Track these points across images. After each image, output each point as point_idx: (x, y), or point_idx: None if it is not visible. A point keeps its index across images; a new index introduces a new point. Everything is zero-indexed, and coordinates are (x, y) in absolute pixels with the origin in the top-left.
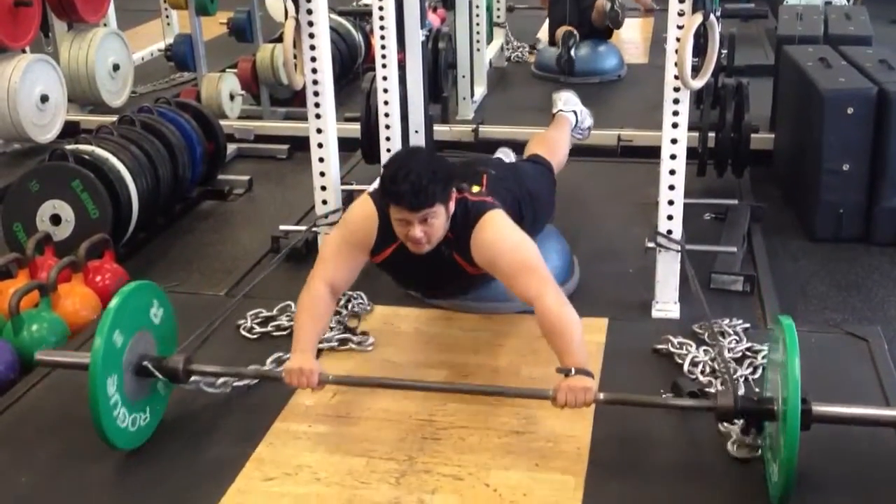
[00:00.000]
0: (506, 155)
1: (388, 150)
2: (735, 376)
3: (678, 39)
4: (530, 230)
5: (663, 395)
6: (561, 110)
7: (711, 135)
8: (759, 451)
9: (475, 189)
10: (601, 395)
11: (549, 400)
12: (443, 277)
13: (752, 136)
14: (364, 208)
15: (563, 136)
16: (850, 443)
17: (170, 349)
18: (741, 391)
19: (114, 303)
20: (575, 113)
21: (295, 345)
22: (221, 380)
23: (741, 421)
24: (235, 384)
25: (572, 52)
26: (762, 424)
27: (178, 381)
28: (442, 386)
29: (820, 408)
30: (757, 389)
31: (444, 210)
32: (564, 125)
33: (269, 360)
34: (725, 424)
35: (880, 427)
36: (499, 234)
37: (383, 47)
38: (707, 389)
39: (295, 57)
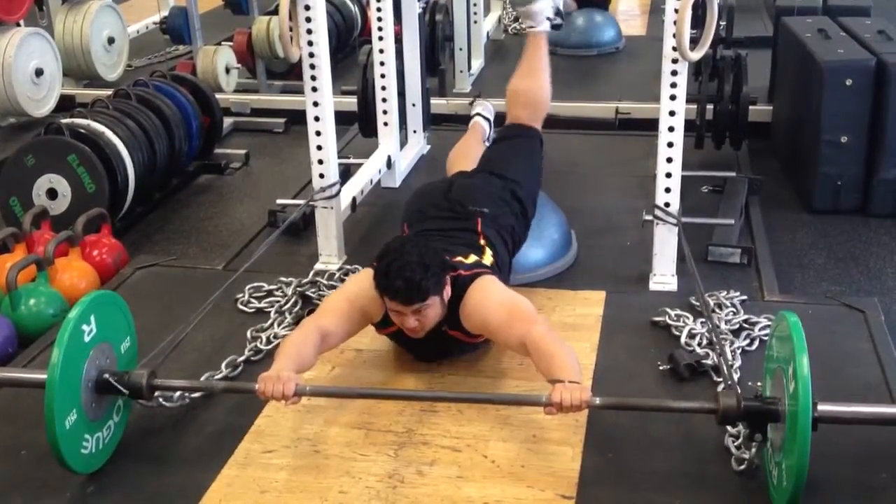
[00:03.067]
0: (484, 108)
1: (385, 124)
2: (732, 348)
3: (676, 11)
4: (531, 220)
5: (661, 367)
6: (531, 27)
7: (710, 107)
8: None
9: (469, 260)
10: (597, 400)
11: (543, 406)
12: (447, 351)
13: (751, 108)
14: (371, 289)
15: (541, 66)
16: (856, 440)
17: (131, 361)
18: (738, 363)
19: (72, 315)
20: (548, 19)
21: (275, 364)
22: (178, 393)
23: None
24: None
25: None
26: (766, 427)
27: (141, 398)
28: (425, 395)
29: (827, 407)
30: (754, 384)
31: (439, 299)
32: (539, 46)
33: (263, 336)
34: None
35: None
36: (484, 296)
37: (380, 20)
38: (704, 361)
39: (291, 29)
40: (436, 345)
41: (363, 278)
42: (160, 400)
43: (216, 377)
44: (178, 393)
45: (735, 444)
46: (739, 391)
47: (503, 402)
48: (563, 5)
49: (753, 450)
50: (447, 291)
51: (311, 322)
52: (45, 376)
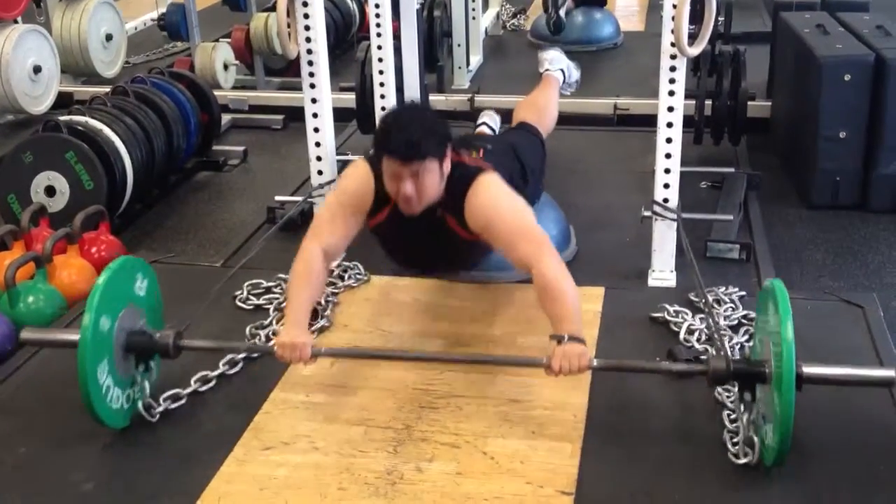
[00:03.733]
0: (490, 118)
1: None
2: (731, 343)
3: (675, 6)
4: (531, 193)
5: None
6: (548, 70)
7: (708, 103)
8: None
9: (473, 155)
10: (595, 362)
11: (544, 368)
12: (436, 245)
13: (749, 103)
14: (359, 171)
15: (552, 96)
16: (843, 404)
17: (158, 322)
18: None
19: (101, 279)
20: (562, 71)
21: (287, 316)
22: (269, 341)
23: (735, 386)
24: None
25: (561, 12)
26: (755, 388)
27: (168, 357)
28: (436, 356)
29: (811, 369)
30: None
31: (438, 167)
32: (552, 85)
33: (262, 333)
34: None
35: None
36: (494, 198)
37: (378, 16)
38: (702, 357)
39: (289, 26)
40: (429, 233)
41: (349, 171)
42: (166, 404)
43: (212, 374)
44: (188, 389)
45: (733, 441)
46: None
47: (506, 363)
48: (575, 78)
49: (745, 415)
50: (447, 166)
51: (309, 242)
52: (77, 336)
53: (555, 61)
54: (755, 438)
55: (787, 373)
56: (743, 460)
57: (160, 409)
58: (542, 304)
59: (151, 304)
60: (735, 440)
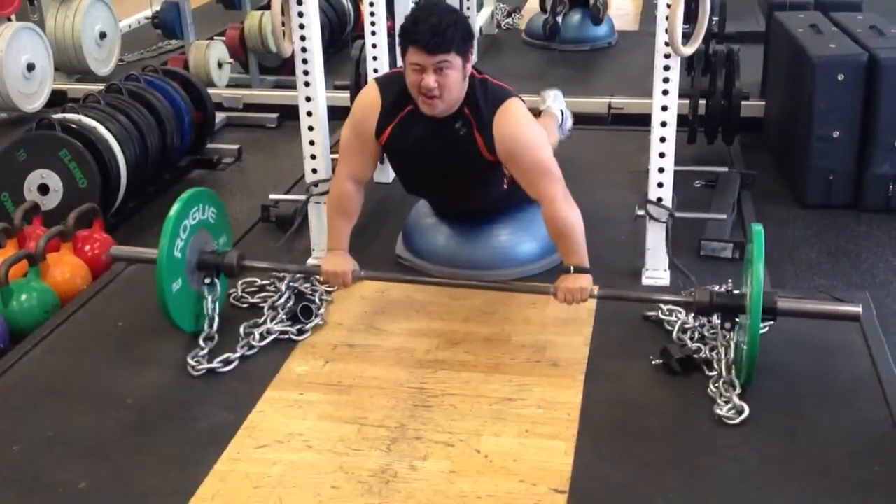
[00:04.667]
0: (557, 100)
1: None
2: (726, 340)
3: (669, 6)
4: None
5: (653, 362)
6: (549, 106)
7: (702, 102)
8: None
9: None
10: (596, 291)
11: (552, 295)
12: (451, 163)
13: (743, 103)
14: (368, 92)
15: (552, 125)
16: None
17: (226, 245)
18: (731, 356)
19: (175, 207)
20: (561, 112)
21: (329, 244)
22: (236, 357)
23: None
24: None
25: (559, 18)
26: (736, 318)
27: (233, 276)
28: (460, 282)
29: (785, 302)
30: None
31: (461, 65)
32: (552, 118)
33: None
34: (712, 388)
35: (843, 322)
36: (525, 127)
37: (372, 14)
38: (695, 355)
39: (283, 24)
40: (447, 148)
41: (359, 95)
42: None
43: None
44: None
45: (714, 384)
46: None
47: (517, 290)
48: (569, 126)
49: (731, 339)
50: (469, 68)
51: (338, 175)
52: (156, 253)
53: (556, 100)
54: (736, 381)
55: (756, 299)
56: (724, 409)
57: (203, 367)
58: (552, 236)
59: (220, 231)
60: (716, 384)
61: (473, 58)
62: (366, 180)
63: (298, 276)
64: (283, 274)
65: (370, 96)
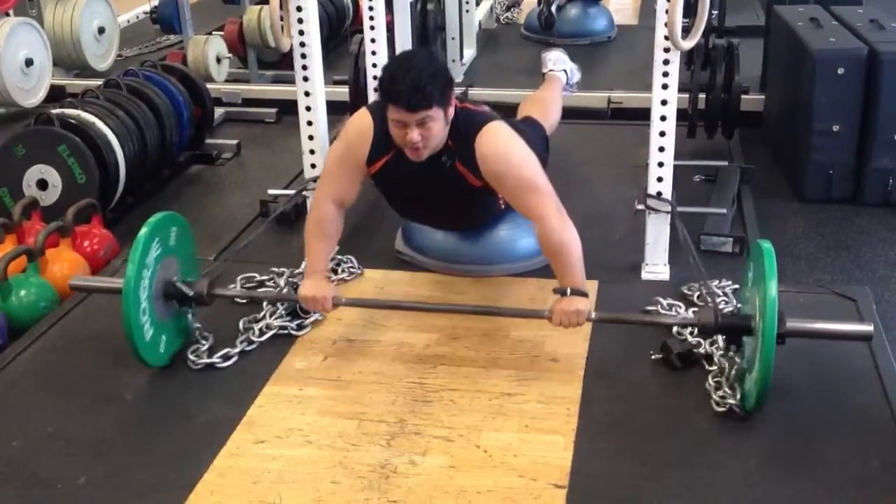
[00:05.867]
0: (561, 62)
1: None
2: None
3: (668, 0)
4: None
5: (653, 356)
6: (552, 70)
7: (702, 96)
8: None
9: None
10: (594, 315)
11: (547, 319)
12: (441, 193)
13: (743, 97)
14: (360, 119)
15: (555, 95)
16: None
17: (193, 273)
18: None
19: (143, 232)
20: (565, 72)
21: (308, 268)
22: (236, 352)
23: (722, 337)
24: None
25: (552, 9)
26: (741, 340)
27: (202, 304)
28: (450, 307)
29: (794, 323)
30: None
31: (443, 114)
32: (556, 84)
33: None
34: (710, 382)
35: (853, 342)
36: (505, 146)
37: (371, 9)
38: (696, 350)
39: (282, 19)
40: (436, 180)
41: (351, 120)
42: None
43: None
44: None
45: (717, 392)
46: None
47: (510, 315)
48: (577, 79)
49: (735, 360)
50: (451, 111)
51: (319, 196)
52: (121, 283)
53: (558, 62)
54: (736, 385)
55: (770, 324)
56: (723, 408)
57: (202, 362)
58: (547, 256)
59: (187, 258)
60: (720, 392)
61: (455, 101)
62: (349, 204)
63: (292, 277)
64: (281, 270)
65: (363, 123)
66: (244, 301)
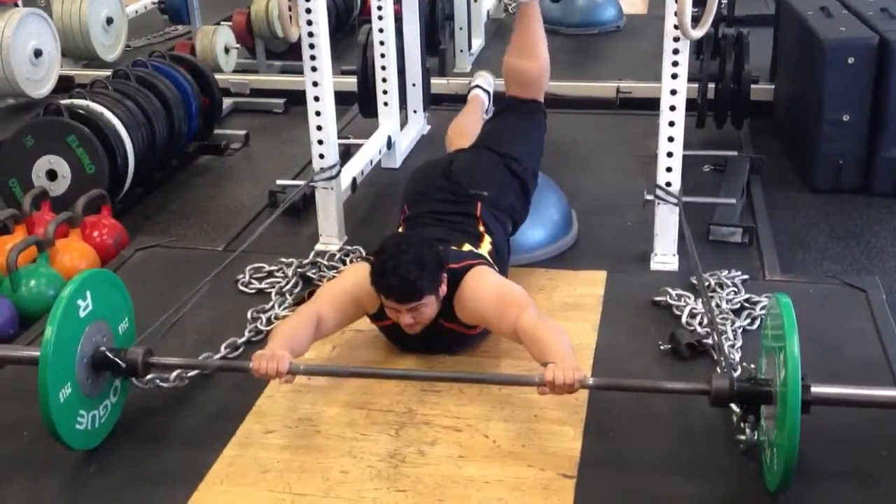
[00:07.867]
0: (484, 80)
1: (385, 104)
2: (733, 328)
3: None
4: (531, 195)
5: (661, 347)
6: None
7: (711, 86)
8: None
9: (464, 248)
10: (591, 381)
11: (536, 386)
12: (441, 342)
13: (752, 86)
14: (367, 284)
15: (534, 37)
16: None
17: (128, 342)
18: (739, 342)
19: (66, 291)
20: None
21: (269, 344)
22: (175, 373)
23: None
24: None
25: None
26: (759, 409)
27: (136, 376)
28: (419, 374)
29: (820, 389)
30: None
31: (434, 298)
32: (531, 18)
33: (263, 317)
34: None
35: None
36: (477, 286)
37: None
38: (705, 340)
39: (290, 9)
40: (431, 339)
41: (359, 270)
42: (157, 381)
43: (215, 358)
44: (175, 373)
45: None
46: (735, 373)
47: (497, 382)
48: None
49: (748, 431)
50: (443, 289)
51: (307, 308)
52: (38, 352)
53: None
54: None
55: (793, 396)
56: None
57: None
58: (532, 353)
59: (121, 320)
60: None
61: (444, 286)
62: (326, 335)
63: (300, 267)
64: (290, 261)
65: (370, 290)
66: (252, 291)
